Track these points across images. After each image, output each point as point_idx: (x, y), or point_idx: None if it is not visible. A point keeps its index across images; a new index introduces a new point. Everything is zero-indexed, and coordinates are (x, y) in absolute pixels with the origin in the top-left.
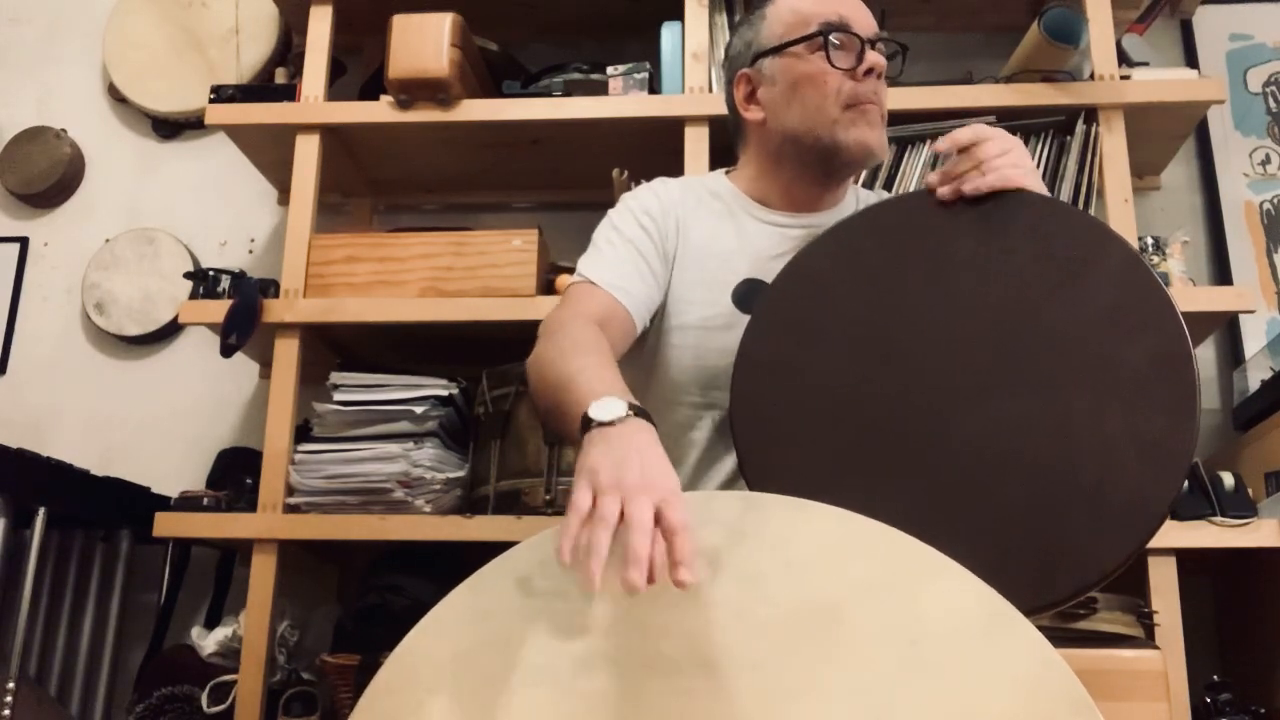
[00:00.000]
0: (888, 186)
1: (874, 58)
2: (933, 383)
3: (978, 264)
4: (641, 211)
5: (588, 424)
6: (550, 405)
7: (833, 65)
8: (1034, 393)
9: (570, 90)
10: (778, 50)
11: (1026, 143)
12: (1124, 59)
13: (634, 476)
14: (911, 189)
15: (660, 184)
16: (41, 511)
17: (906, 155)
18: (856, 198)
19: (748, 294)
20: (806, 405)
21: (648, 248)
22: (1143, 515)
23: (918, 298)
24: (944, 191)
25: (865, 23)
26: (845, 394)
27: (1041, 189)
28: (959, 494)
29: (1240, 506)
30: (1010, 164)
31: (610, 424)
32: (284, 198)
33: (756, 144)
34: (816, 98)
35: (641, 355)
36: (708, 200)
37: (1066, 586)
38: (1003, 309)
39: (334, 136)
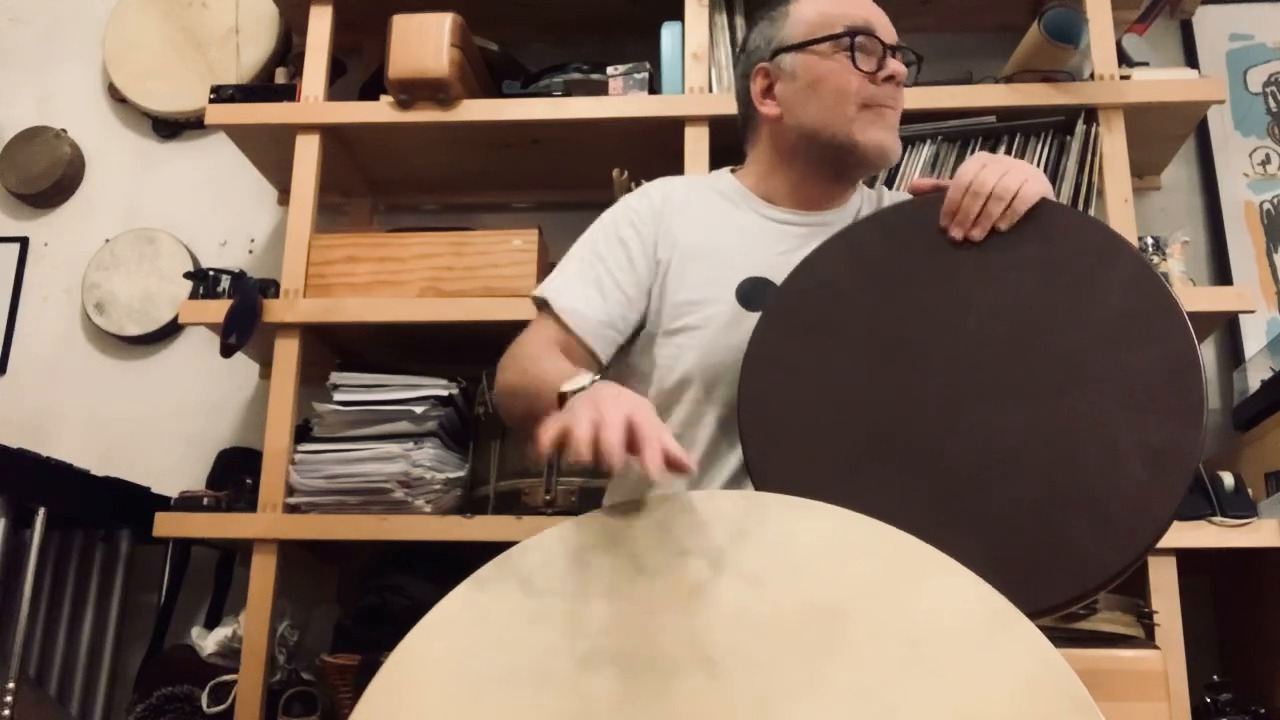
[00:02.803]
0: (888, 186)
1: (895, 65)
2: (940, 386)
3: (987, 269)
4: (626, 223)
5: (562, 400)
6: (524, 414)
7: (856, 67)
8: (1041, 398)
9: (570, 90)
10: (801, 47)
11: (1026, 143)
12: (1124, 59)
13: (604, 398)
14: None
15: (659, 186)
16: (41, 511)
17: (907, 155)
18: (862, 197)
19: (752, 291)
20: (814, 405)
21: (623, 268)
22: (1146, 523)
23: (927, 302)
24: (976, 234)
25: (888, 29)
26: (853, 395)
27: (1051, 194)
28: (963, 497)
29: (1240, 506)
30: (1021, 180)
31: (583, 389)
32: (284, 198)
33: (769, 139)
34: (835, 96)
35: (644, 355)
36: (711, 198)
37: (1068, 592)
38: (1012, 314)
39: (334, 136)
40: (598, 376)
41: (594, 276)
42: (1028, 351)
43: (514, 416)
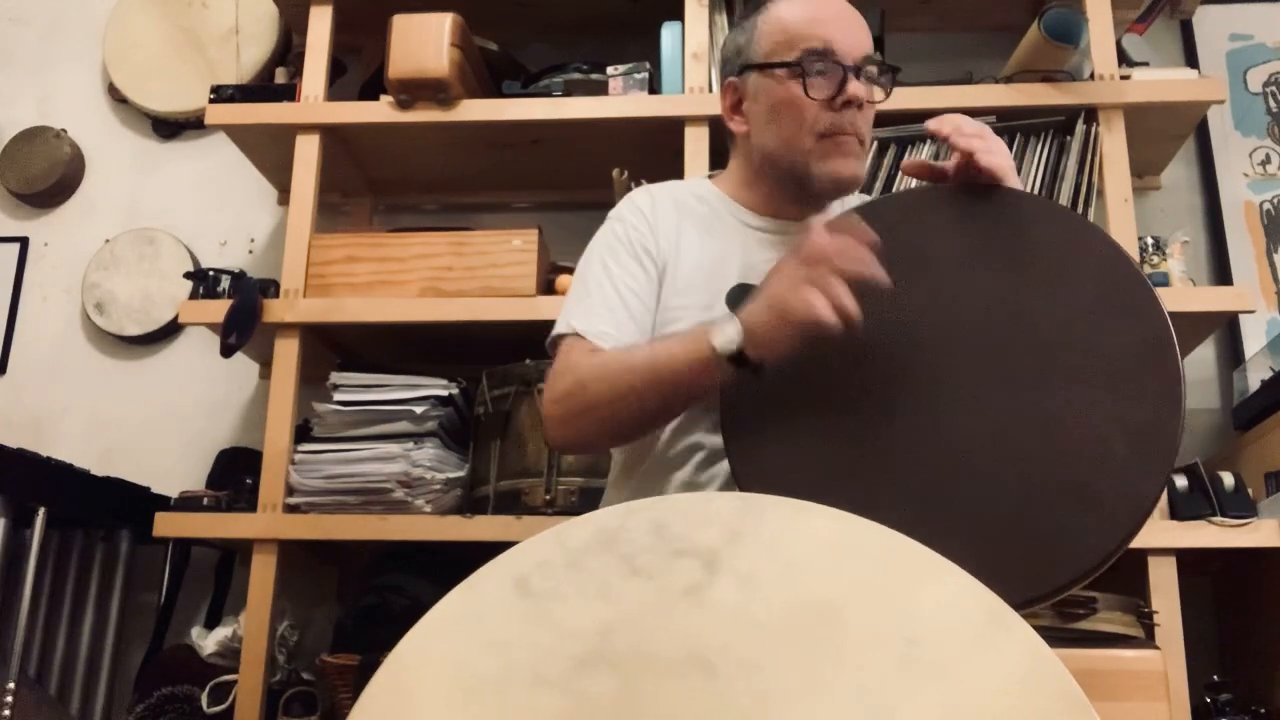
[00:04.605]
0: (887, 187)
1: (854, 89)
2: (920, 380)
3: (960, 261)
4: (629, 240)
5: (724, 359)
6: (657, 401)
7: (809, 96)
8: (1021, 386)
9: (570, 90)
10: (761, 68)
11: (1026, 143)
12: (1124, 59)
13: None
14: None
15: (644, 198)
16: (41, 511)
17: (907, 155)
18: (843, 205)
19: (742, 298)
20: (795, 407)
21: (640, 282)
22: (1133, 502)
23: (902, 297)
24: (938, 127)
25: (853, 48)
26: (833, 394)
27: (1015, 183)
28: (951, 490)
29: (1240, 506)
30: (1001, 147)
31: (733, 339)
32: (284, 198)
33: (743, 153)
34: (792, 126)
35: None
36: (694, 206)
37: (1062, 576)
38: (987, 305)
39: (334, 136)
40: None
41: (618, 300)
42: (1005, 341)
43: (638, 415)
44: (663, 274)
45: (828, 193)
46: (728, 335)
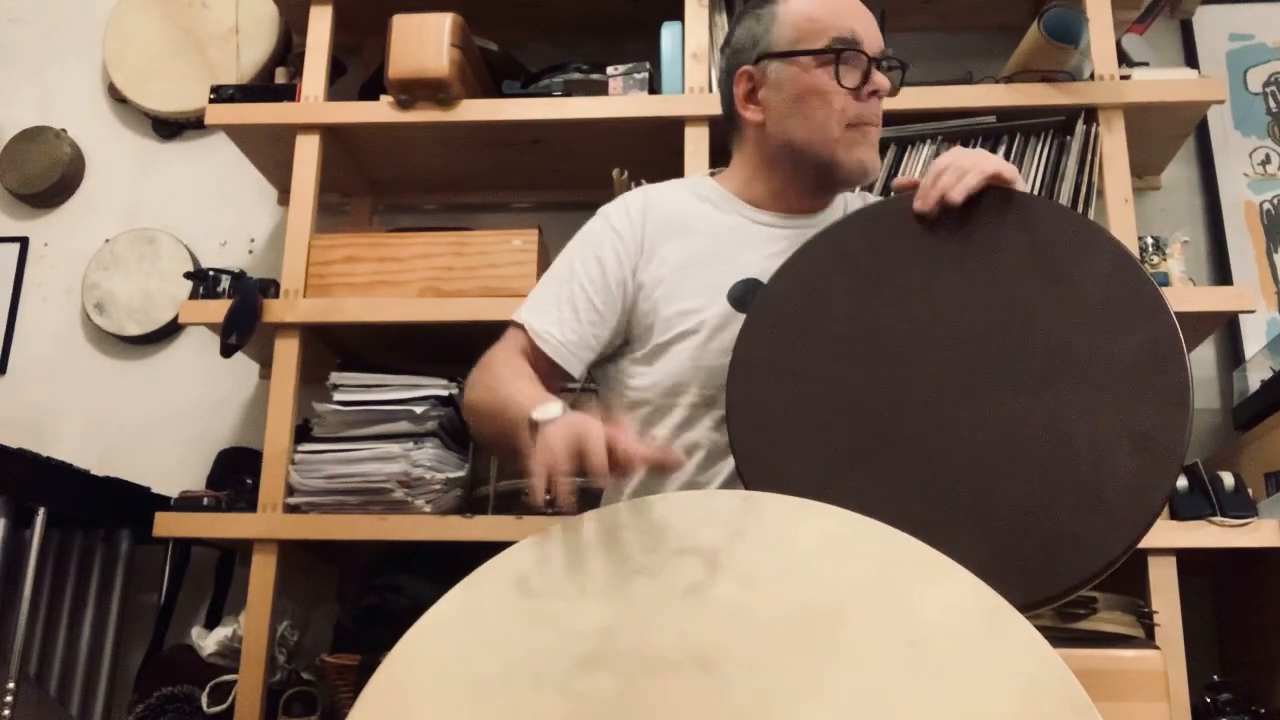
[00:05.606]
0: (887, 188)
1: (880, 80)
2: (927, 382)
3: (968, 263)
4: (606, 243)
5: (534, 426)
6: (493, 434)
7: (840, 85)
8: (1028, 389)
9: (570, 90)
10: (785, 56)
11: (1026, 143)
12: (1124, 59)
13: (575, 428)
14: None
15: (639, 199)
16: (41, 511)
17: (907, 155)
18: (845, 202)
19: (744, 294)
20: (802, 406)
21: (596, 284)
22: (1139, 507)
23: (910, 298)
24: (924, 205)
25: (874, 40)
26: (841, 395)
27: (1023, 187)
28: (957, 492)
29: (1240, 506)
30: (985, 162)
31: (554, 418)
32: (284, 198)
33: (753, 145)
34: (821, 114)
35: (638, 361)
36: (695, 204)
37: (1067, 580)
38: (994, 307)
39: (334, 136)
40: (567, 405)
41: (569, 296)
42: (1012, 344)
43: (484, 436)
44: (644, 289)
45: (853, 180)
46: (546, 412)
